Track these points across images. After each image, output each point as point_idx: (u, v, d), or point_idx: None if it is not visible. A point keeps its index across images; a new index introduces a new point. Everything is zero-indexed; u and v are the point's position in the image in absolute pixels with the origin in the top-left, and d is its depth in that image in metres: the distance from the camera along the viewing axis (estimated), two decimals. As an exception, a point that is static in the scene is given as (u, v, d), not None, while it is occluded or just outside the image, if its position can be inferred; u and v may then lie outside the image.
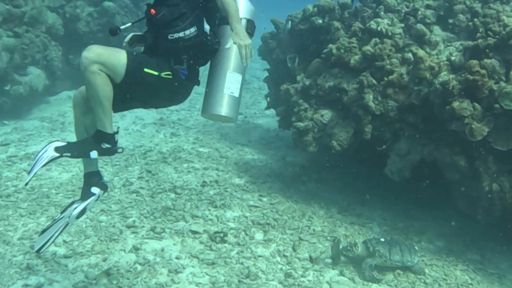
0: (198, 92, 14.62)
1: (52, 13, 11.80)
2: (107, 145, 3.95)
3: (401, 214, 7.44)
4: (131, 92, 3.97)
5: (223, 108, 4.16)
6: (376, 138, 7.05)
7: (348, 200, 7.79)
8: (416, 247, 6.22)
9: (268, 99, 10.66)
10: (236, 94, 4.20)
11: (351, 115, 7.20)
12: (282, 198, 7.68)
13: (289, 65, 9.15)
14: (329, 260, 6.00)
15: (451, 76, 6.13)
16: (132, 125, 11.01)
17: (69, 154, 3.83)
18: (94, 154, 3.92)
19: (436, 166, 6.61)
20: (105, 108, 3.80)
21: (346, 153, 7.53)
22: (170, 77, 3.93)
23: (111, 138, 3.94)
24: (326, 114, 7.45)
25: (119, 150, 4.06)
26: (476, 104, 5.96)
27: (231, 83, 4.17)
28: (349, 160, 8.50)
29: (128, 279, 5.27)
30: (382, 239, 6.05)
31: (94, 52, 3.67)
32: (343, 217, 7.27)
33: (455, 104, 5.96)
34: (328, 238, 6.57)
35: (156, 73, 3.86)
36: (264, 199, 7.63)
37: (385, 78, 6.86)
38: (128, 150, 9.25)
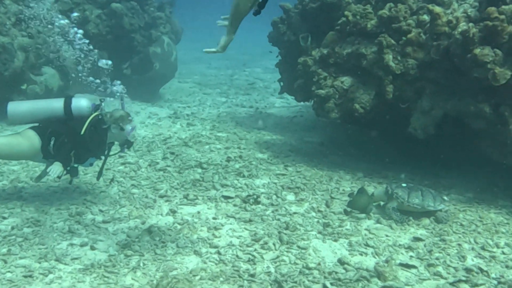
0: (206, 92, 14.61)
1: (62, 16, 11.90)
2: None
3: (428, 173, 7.50)
4: None
5: None
6: (398, 98, 7.12)
7: (373, 167, 7.86)
8: (445, 197, 6.29)
9: (281, 83, 10.73)
10: None
11: (371, 79, 7.28)
12: (308, 167, 7.76)
13: (302, 44, 9.23)
14: (363, 215, 6.05)
15: (471, 24, 6.23)
16: (147, 119, 11.09)
17: None
18: None
19: (459, 120, 6.68)
20: None
21: (367, 121, 7.60)
22: None
23: None
24: (346, 80, 7.54)
25: None
26: (497, 50, 6.05)
27: None
28: (369, 133, 8.54)
29: (170, 235, 5.33)
30: (404, 184, 6.12)
31: None
32: (370, 179, 7.34)
33: (477, 51, 6.06)
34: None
35: None
36: (290, 168, 7.70)
37: (403, 38, 6.97)
38: (148, 138, 9.33)
